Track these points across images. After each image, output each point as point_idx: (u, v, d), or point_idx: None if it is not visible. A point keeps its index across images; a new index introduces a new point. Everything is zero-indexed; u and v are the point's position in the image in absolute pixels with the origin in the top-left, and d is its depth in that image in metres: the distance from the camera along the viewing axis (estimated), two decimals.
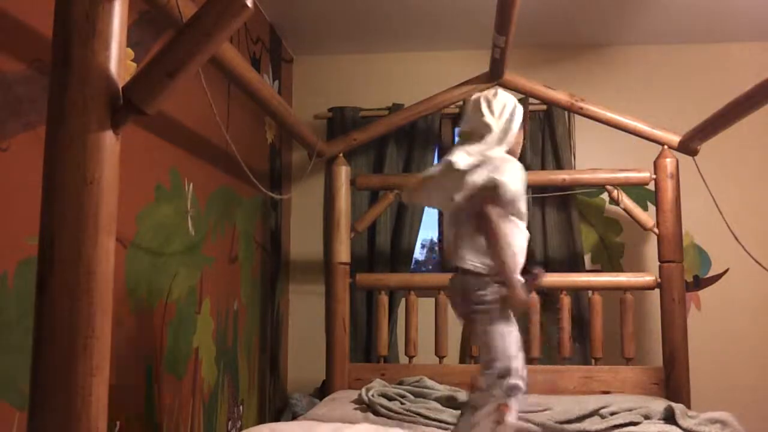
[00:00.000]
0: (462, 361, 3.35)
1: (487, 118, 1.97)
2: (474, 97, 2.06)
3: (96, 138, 1.04)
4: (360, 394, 2.55)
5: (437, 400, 2.52)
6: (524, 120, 2.06)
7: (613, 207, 3.38)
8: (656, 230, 2.93)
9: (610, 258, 3.44)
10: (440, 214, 3.67)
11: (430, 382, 2.73)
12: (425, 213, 3.54)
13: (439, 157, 3.68)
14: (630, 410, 2.32)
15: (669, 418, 2.26)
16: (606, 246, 3.45)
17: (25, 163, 1.44)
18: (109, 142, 1.06)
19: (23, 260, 1.44)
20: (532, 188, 3.30)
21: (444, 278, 3.21)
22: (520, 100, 3.39)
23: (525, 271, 1.93)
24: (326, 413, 2.41)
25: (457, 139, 2.26)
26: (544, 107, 3.43)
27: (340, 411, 2.44)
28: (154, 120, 2.03)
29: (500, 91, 2.06)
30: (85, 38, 1.04)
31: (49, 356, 0.99)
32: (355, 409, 2.47)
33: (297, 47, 3.65)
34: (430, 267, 3.97)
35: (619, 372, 2.88)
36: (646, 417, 2.30)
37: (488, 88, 3.02)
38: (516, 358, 1.87)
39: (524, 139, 2.15)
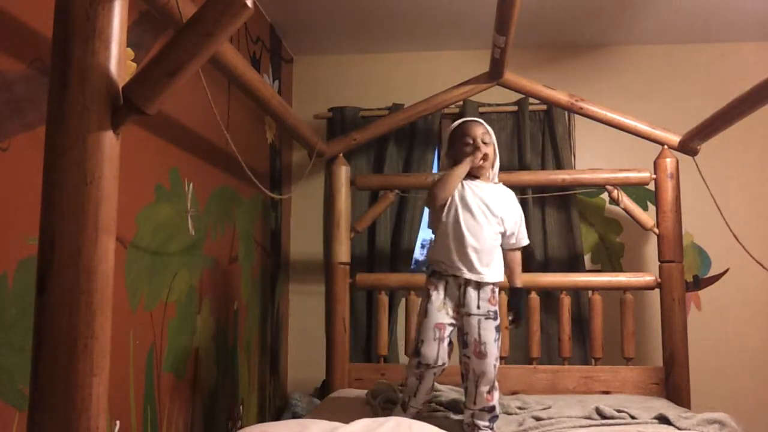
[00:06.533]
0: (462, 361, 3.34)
1: None
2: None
3: (96, 138, 1.04)
4: (366, 396, 2.52)
5: (446, 403, 2.49)
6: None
7: (613, 207, 3.38)
8: (656, 230, 2.93)
9: (610, 258, 3.44)
10: None
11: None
12: (425, 213, 3.54)
13: (439, 157, 3.68)
14: (621, 413, 2.29)
15: (663, 419, 2.23)
16: (606, 246, 3.45)
17: (25, 163, 1.44)
18: (109, 142, 1.06)
19: (23, 260, 1.44)
20: (533, 188, 3.31)
21: None
22: (520, 101, 3.44)
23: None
24: (330, 412, 2.39)
25: None
26: (544, 107, 3.43)
27: (345, 410, 2.42)
28: (154, 120, 2.03)
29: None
30: (85, 38, 1.04)
31: (49, 356, 0.99)
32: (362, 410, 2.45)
33: (297, 47, 3.65)
34: None
35: (619, 372, 2.88)
36: (640, 420, 2.25)
37: (488, 88, 3.06)
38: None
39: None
